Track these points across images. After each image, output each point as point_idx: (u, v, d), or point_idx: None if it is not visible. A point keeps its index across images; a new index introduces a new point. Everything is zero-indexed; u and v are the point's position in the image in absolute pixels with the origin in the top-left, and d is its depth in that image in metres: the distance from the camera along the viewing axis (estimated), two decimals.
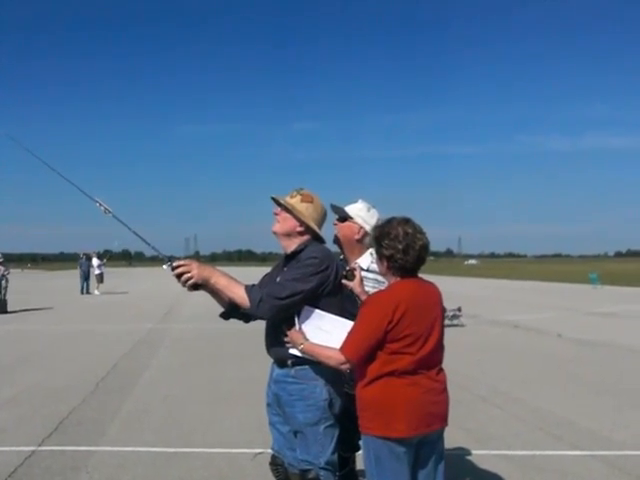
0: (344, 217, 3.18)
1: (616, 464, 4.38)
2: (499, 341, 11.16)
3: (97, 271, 26.18)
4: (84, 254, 26.89)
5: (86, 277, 25.76)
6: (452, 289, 21.95)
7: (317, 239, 2.85)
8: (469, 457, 4.55)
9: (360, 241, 3.16)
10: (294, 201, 2.83)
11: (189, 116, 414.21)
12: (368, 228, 3.11)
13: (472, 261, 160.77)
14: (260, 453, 4.39)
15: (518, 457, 4.56)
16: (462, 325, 13.07)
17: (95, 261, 26.54)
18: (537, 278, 41.72)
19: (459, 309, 13.17)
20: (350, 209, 3.19)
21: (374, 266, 2.99)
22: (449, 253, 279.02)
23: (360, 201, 3.24)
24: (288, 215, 2.81)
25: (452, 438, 4.33)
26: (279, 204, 2.86)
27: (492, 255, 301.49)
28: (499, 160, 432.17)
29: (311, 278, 2.65)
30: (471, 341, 10.82)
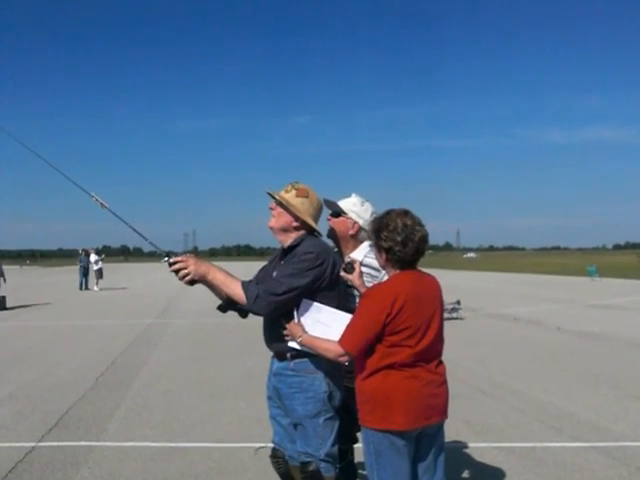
0: (337, 212, 3.10)
1: (616, 455, 4.39)
2: (498, 334, 11.16)
3: (96, 267, 26.19)
4: (83, 250, 26.96)
5: (85, 273, 25.82)
6: (451, 282, 21.98)
7: (313, 233, 2.84)
8: (468, 449, 4.56)
9: (354, 236, 3.09)
10: (289, 196, 2.81)
11: (187, 111, 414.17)
12: (362, 222, 3.04)
13: (471, 254, 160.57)
14: (262, 447, 4.39)
15: (518, 449, 4.56)
16: (461, 318, 13.08)
17: (93, 257, 26.56)
18: (536, 271, 41.75)
19: (458, 302, 13.18)
20: (343, 204, 3.11)
21: (368, 260, 2.95)
22: (448, 247, 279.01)
23: (353, 195, 3.17)
24: (283, 210, 2.80)
25: (452, 430, 4.34)
26: (274, 199, 2.85)
27: (491, 248, 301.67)
28: (497, 153, 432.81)
29: (307, 273, 2.64)
30: (470, 334, 10.83)
